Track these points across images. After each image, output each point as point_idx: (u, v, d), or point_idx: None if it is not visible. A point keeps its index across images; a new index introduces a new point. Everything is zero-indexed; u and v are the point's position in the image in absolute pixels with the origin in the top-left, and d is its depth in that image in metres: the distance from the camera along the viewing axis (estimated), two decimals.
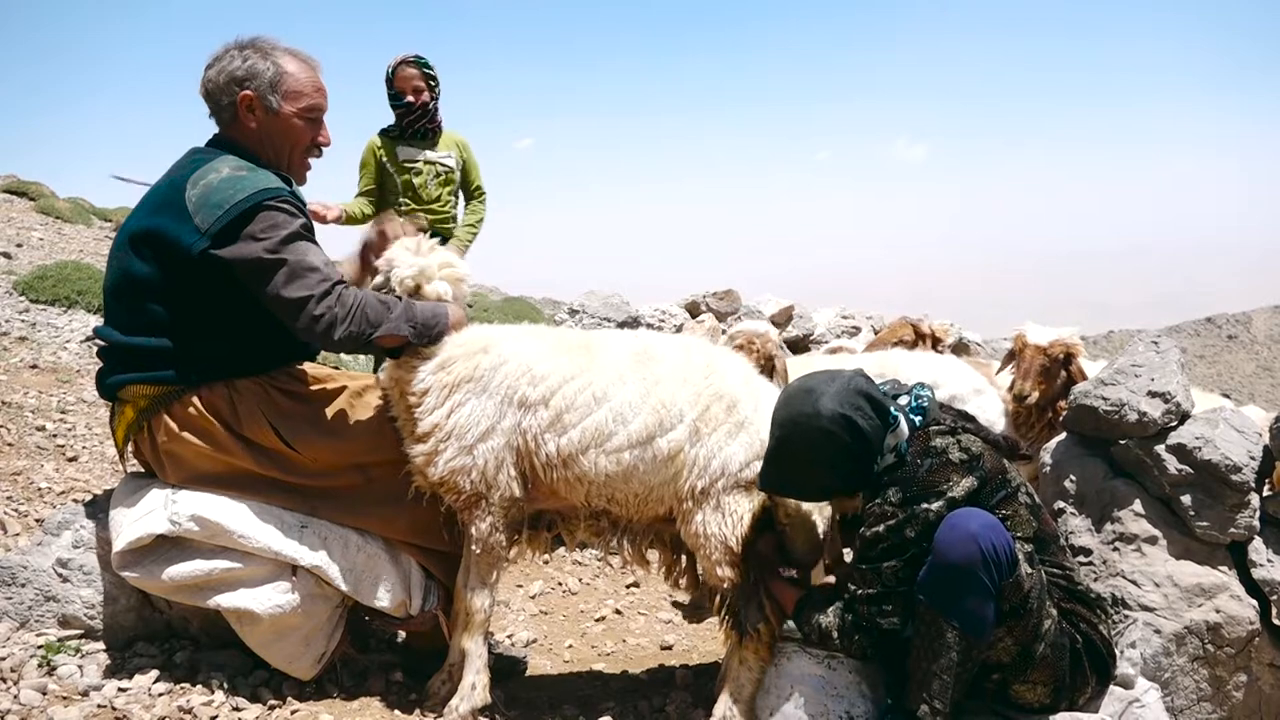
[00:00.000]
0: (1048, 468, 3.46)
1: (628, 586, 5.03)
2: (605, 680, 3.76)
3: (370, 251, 3.31)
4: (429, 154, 5.48)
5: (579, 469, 3.00)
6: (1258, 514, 3.10)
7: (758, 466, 2.92)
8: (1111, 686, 2.76)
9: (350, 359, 6.98)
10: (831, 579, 3.10)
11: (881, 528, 2.60)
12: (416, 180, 5.44)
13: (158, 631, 3.17)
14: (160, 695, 2.82)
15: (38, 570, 3.05)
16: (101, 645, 3.03)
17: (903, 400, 2.82)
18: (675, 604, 4.80)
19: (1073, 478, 3.35)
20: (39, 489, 4.47)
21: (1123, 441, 3.24)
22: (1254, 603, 3.06)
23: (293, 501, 3.03)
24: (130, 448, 3.11)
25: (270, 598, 2.94)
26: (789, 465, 2.77)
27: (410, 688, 3.21)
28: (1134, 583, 3.09)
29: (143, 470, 3.16)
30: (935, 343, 6.13)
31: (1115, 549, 3.16)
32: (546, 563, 5.11)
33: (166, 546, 2.94)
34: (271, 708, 2.91)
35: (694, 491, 3.00)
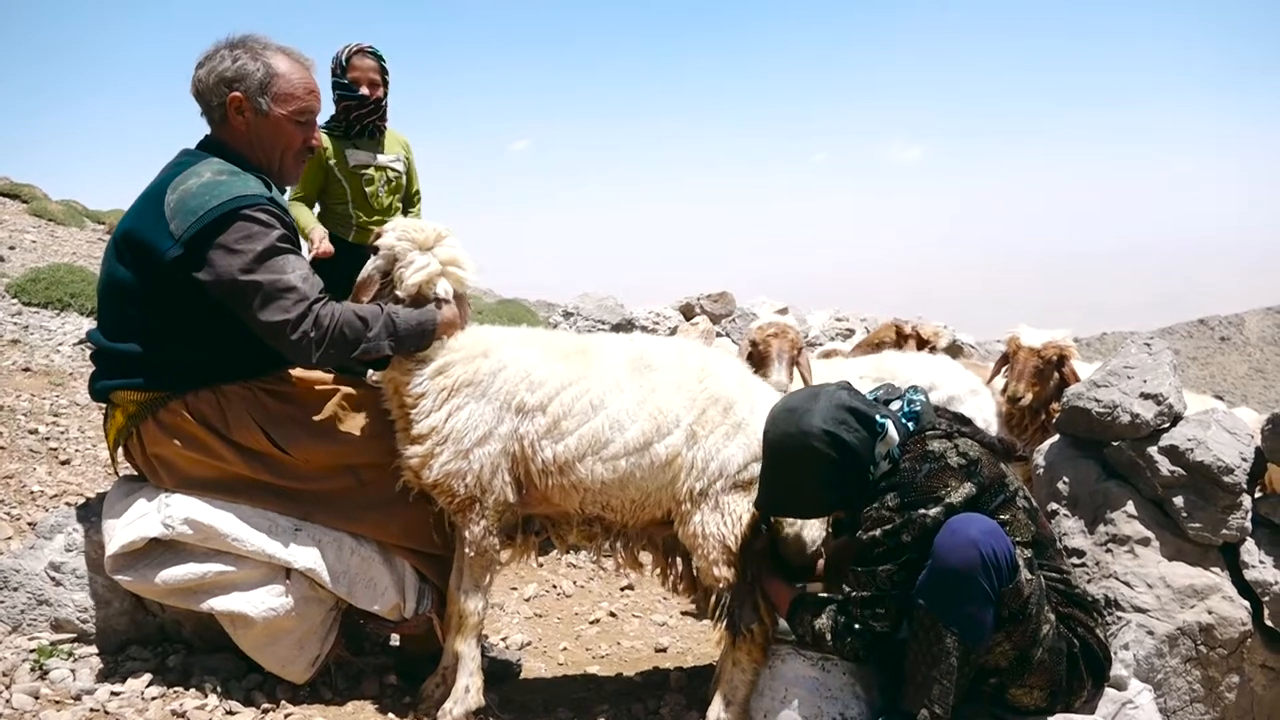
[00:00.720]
0: (1041, 469, 3.47)
1: (622, 589, 5.03)
2: (599, 683, 3.76)
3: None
4: (380, 158, 4.96)
5: (575, 476, 3.00)
6: (1250, 515, 3.11)
7: (756, 467, 2.93)
8: (1105, 688, 2.77)
9: None
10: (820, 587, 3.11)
11: (878, 532, 2.61)
12: (369, 189, 4.91)
13: (151, 635, 3.16)
14: (153, 699, 2.82)
15: (30, 574, 3.04)
16: (94, 649, 3.02)
17: (895, 405, 2.82)
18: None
19: (1065, 479, 3.36)
20: (31, 492, 4.45)
21: (1115, 443, 3.25)
22: (1246, 604, 3.07)
23: (285, 506, 3.02)
24: (121, 452, 3.10)
25: (264, 601, 2.93)
26: (782, 486, 2.79)
27: (404, 691, 3.21)
28: (1127, 584, 3.10)
29: (135, 474, 3.16)
30: (921, 344, 6.12)
31: (1108, 550, 3.17)
32: (541, 565, 5.11)
33: (160, 550, 2.94)
34: (265, 711, 2.90)
35: (692, 493, 3.00)
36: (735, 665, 2.99)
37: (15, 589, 3.04)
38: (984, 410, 4.58)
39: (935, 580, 2.47)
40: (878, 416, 2.72)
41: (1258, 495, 3.23)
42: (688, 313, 10.48)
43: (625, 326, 9.56)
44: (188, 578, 2.90)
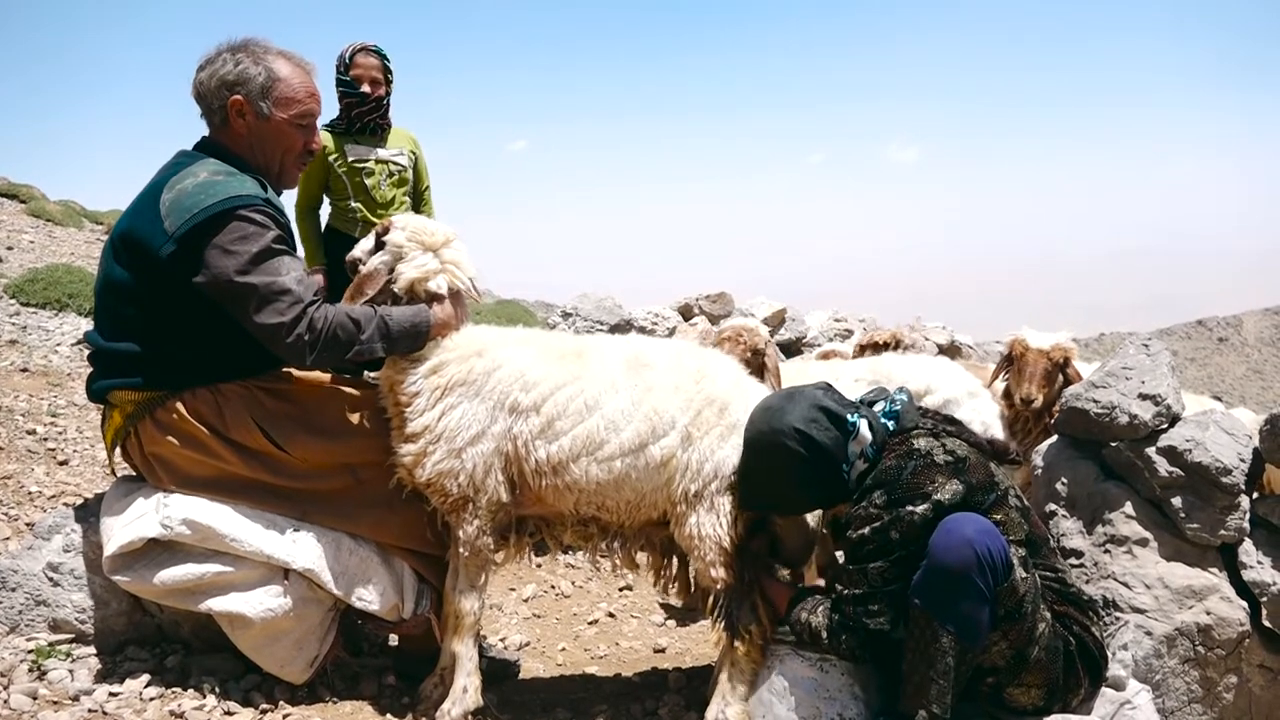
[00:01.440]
0: (1039, 470, 3.47)
1: (620, 590, 5.03)
2: (598, 683, 3.76)
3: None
4: (380, 152, 4.94)
5: (569, 477, 3.00)
6: (1248, 516, 3.11)
7: None
8: (1103, 688, 2.77)
9: None
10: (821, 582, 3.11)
11: (867, 530, 2.62)
12: (369, 181, 4.89)
13: (149, 636, 3.16)
14: (151, 700, 2.82)
15: (28, 574, 3.04)
16: (92, 650, 3.02)
17: (878, 407, 2.86)
18: (664, 606, 4.80)
19: (1064, 480, 3.36)
20: (29, 493, 4.45)
21: (1114, 444, 3.25)
22: (1244, 604, 3.07)
23: (284, 506, 3.02)
24: (119, 452, 3.10)
25: (262, 601, 2.93)
26: (758, 482, 2.89)
27: (403, 691, 3.21)
28: (1125, 585, 3.10)
29: (133, 474, 3.15)
30: (890, 347, 6.04)
31: (1106, 551, 3.17)
32: (539, 566, 5.11)
33: (158, 550, 2.94)
34: (264, 712, 2.90)
35: (687, 495, 3.00)
36: (734, 666, 2.99)
37: (13, 589, 3.03)
38: (983, 412, 4.58)
39: (931, 580, 2.47)
40: (850, 416, 2.78)
41: (1255, 496, 3.23)
42: (686, 313, 10.49)
43: (624, 327, 9.56)
44: (186, 578, 2.90)
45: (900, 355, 5.41)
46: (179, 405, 2.96)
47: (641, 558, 3.30)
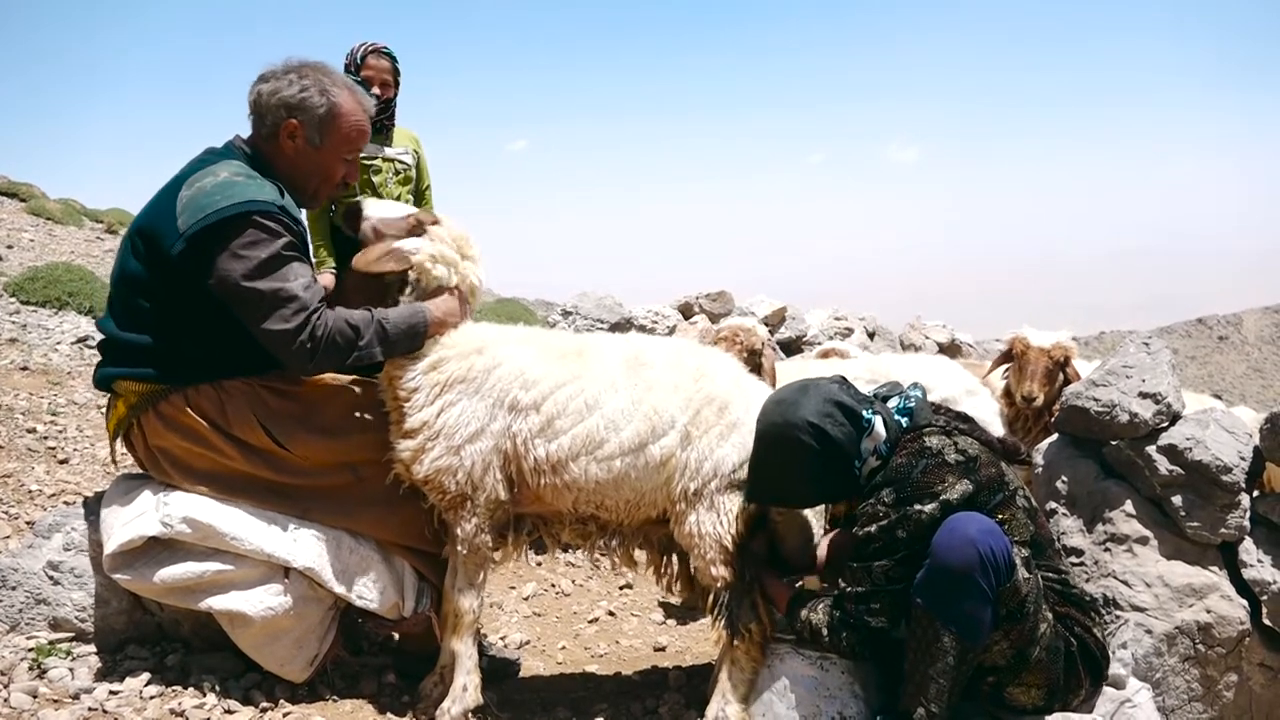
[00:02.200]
0: (1040, 469, 3.47)
1: (621, 588, 5.03)
2: (598, 682, 3.76)
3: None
4: (387, 151, 5.06)
5: (568, 475, 3.00)
6: (1248, 514, 3.11)
7: None
8: (1104, 687, 2.77)
9: None
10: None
11: (874, 528, 2.61)
12: (376, 179, 5.00)
13: (149, 634, 3.16)
14: (152, 698, 2.82)
15: (28, 573, 3.04)
16: (92, 648, 3.02)
17: (893, 403, 2.83)
18: (661, 604, 4.80)
19: (1064, 479, 3.36)
20: (29, 491, 4.45)
21: (1114, 442, 3.25)
22: (1244, 603, 3.07)
23: (284, 503, 3.02)
24: (122, 443, 3.10)
25: (262, 600, 2.93)
26: (769, 476, 2.84)
27: (403, 690, 3.21)
28: (1125, 583, 3.10)
29: (135, 468, 3.15)
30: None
31: (1107, 549, 3.17)
32: (539, 564, 5.11)
33: (158, 549, 2.93)
34: (264, 710, 2.90)
35: (686, 493, 3.00)
36: (734, 664, 2.99)
37: (14, 588, 3.03)
38: (981, 410, 4.58)
39: (933, 579, 2.47)
40: (865, 411, 2.75)
41: (1256, 494, 3.23)
42: (686, 312, 10.49)
43: (624, 326, 9.56)
44: (186, 576, 2.90)
45: (900, 354, 5.42)
46: (183, 399, 2.97)
47: (640, 556, 3.30)
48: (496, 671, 3.54)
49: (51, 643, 2.97)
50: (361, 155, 4.86)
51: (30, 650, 2.92)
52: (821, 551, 3.02)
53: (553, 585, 4.94)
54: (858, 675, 2.82)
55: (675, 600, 4.72)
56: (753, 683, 2.96)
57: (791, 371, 4.71)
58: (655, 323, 9.78)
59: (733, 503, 3.00)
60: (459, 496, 2.99)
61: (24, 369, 6.47)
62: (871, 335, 11.52)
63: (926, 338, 12.22)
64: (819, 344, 9.63)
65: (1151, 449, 3.15)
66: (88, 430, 5.48)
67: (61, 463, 4.96)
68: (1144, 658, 3.01)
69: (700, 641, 4.35)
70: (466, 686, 2.99)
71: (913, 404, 2.81)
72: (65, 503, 4.33)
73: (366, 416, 3.16)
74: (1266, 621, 3.07)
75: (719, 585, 3.01)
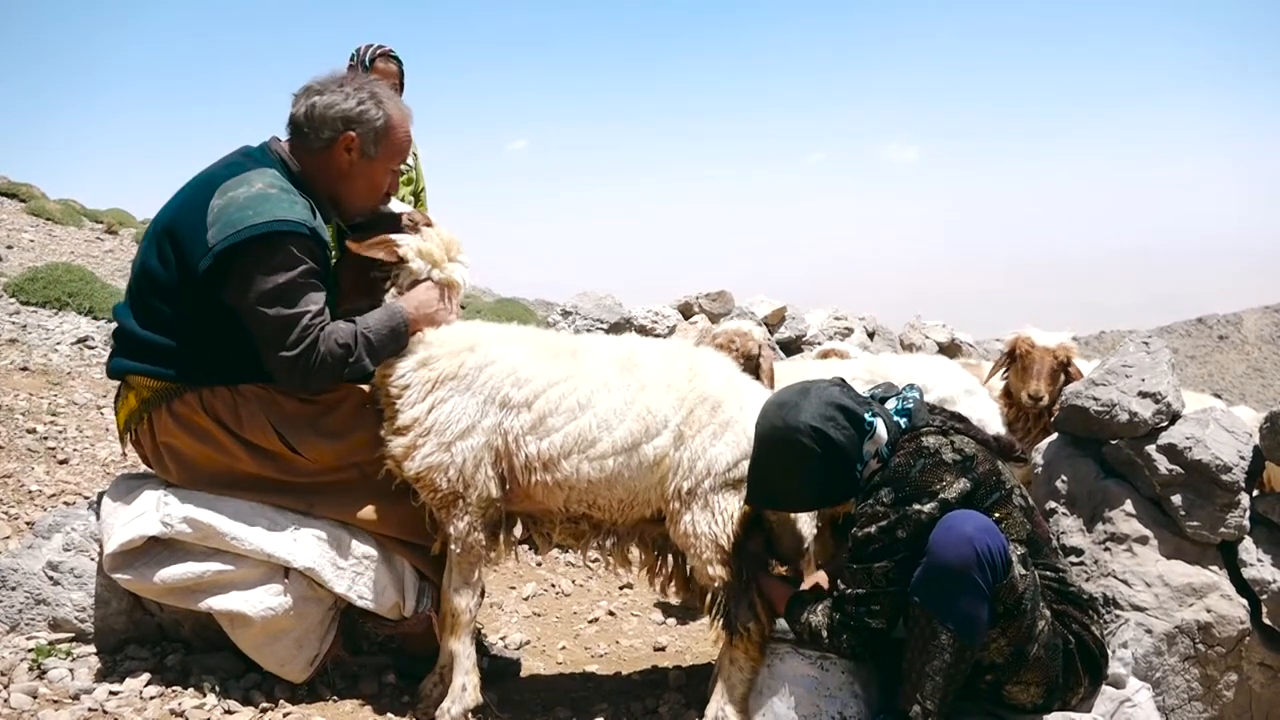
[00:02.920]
0: (1039, 468, 3.47)
1: (621, 588, 5.03)
2: (598, 681, 3.76)
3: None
4: None
5: (560, 474, 3.00)
6: (1248, 514, 3.11)
7: (746, 464, 2.94)
8: (1103, 686, 2.77)
9: None
10: (823, 575, 3.10)
11: (873, 528, 2.61)
12: None
13: (149, 634, 3.16)
14: (152, 698, 2.82)
15: (28, 573, 3.04)
16: (92, 648, 3.02)
17: (890, 404, 2.83)
18: (657, 604, 4.79)
19: (1064, 478, 3.36)
20: (29, 492, 4.45)
21: (1114, 442, 3.26)
22: (1244, 602, 3.07)
23: (289, 499, 3.03)
24: (130, 435, 3.10)
25: (262, 600, 2.93)
26: (769, 479, 2.82)
27: (403, 690, 3.21)
28: (1125, 582, 3.10)
29: (138, 467, 3.15)
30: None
31: (1106, 549, 3.18)
32: (539, 564, 5.11)
33: (158, 549, 2.94)
34: (264, 710, 2.90)
35: (680, 493, 3.00)
36: (733, 664, 2.99)
37: (13, 588, 3.04)
38: (979, 409, 4.58)
39: (930, 577, 2.47)
40: (867, 414, 2.74)
41: (1256, 494, 3.23)
42: (686, 312, 10.48)
43: (623, 326, 9.55)
44: (186, 577, 2.90)
45: (898, 354, 5.41)
46: (197, 400, 2.97)
47: (635, 555, 3.30)
48: (497, 671, 3.54)
49: (51, 643, 2.98)
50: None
51: (30, 651, 2.92)
52: (814, 581, 3.00)
53: (553, 585, 4.94)
54: (858, 675, 2.82)
55: (674, 600, 4.72)
56: (752, 682, 2.96)
57: (789, 372, 4.70)
58: (655, 323, 9.77)
59: (728, 502, 3.00)
60: (450, 494, 2.99)
61: (24, 369, 6.47)
62: (871, 335, 11.51)
63: (926, 338, 12.22)
64: (819, 344, 9.62)
65: (1151, 448, 3.15)
66: (88, 431, 5.49)
67: (61, 463, 4.96)
68: (1144, 657, 3.01)
69: (700, 641, 4.35)
70: (465, 686, 2.99)
71: (910, 405, 2.81)
72: (65, 503, 4.33)
73: (374, 417, 3.16)
74: (1266, 621, 3.07)
75: (716, 585, 3.01)
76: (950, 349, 12.16)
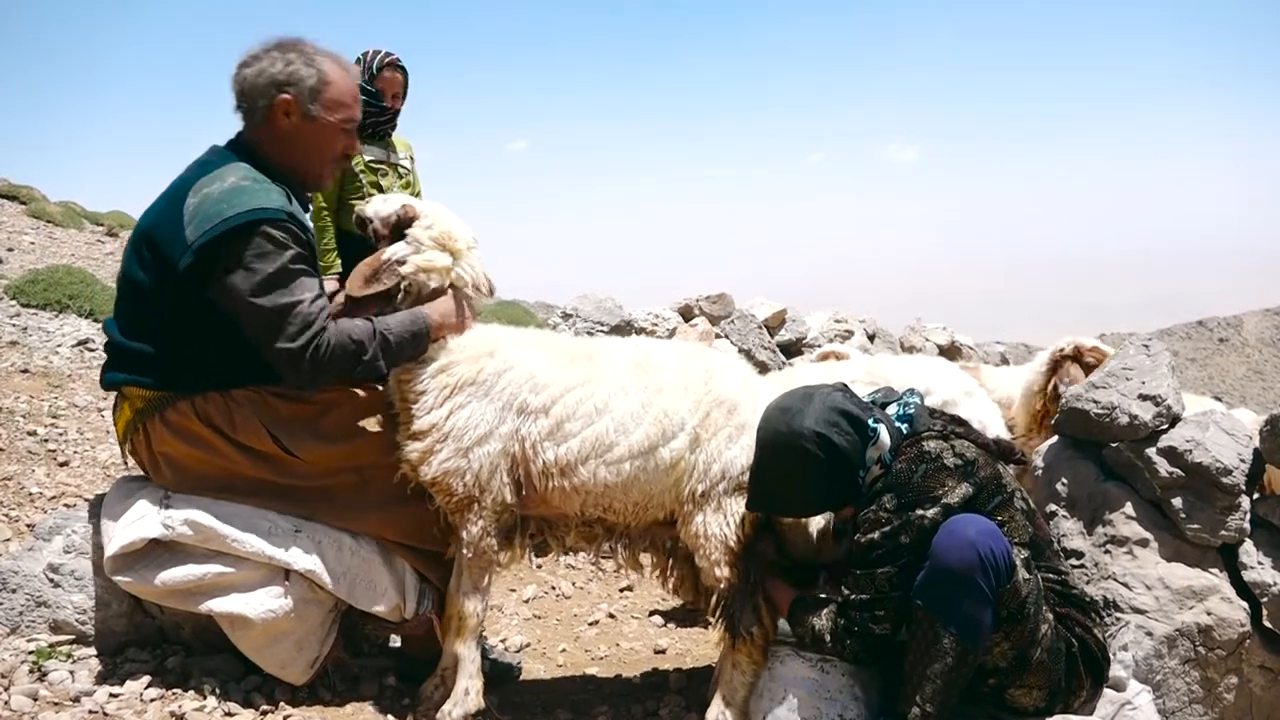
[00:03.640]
0: (1040, 471, 3.47)
1: (621, 590, 5.03)
2: (598, 684, 3.76)
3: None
4: (391, 155, 5.20)
5: (577, 479, 3.00)
6: (1248, 516, 3.11)
7: None
8: (1104, 689, 2.77)
9: None
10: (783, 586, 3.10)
11: (876, 534, 2.61)
12: (384, 182, 5.10)
13: (150, 637, 3.16)
14: (152, 701, 2.81)
15: (29, 576, 3.04)
16: (93, 651, 3.02)
17: (891, 409, 2.83)
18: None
19: (1064, 480, 3.36)
20: (30, 494, 4.45)
21: (1114, 444, 3.25)
22: (1245, 605, 3.07)
23: (288, 505, 3.02)
24: (129, 446, 3.10)
25: (263, 602, 2.93)
26: (771, 484, 2.82)
27: (404, 692, 3.21)
28: (1125, 585, 3.10)
29: (139, 471, 3.15)
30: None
31: (1107, 551, 3.17)
32: (539, 567, 5.11)
33: (159, 551, 2.94)
34: (264, 713, 2.90)
35: (694, 495, 3.01)
36: (734, 667, 2.99)
37: (14, 590, 3.03)
38: (980, 412, 4.57)
39: (933, 580, 2.47)
40: (870, 420, 2.74)
41: (1256, 497, 3.23)
42: (686, 314, 10.47)
43: (624, 328, 9.54)
44: (187, 579, 2.90)
45: (896, 356, 5.41)
46: (190, 407, 2.96)
47: (645, 559, 3.30)
48: (497, 674, 3.53)
49: (52, 645, 2.97)
50: (371, 160, 5.00)
51: (30, 653, 2.92)
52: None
53: (553, 588, 4.94)
54: (858, 678, 2.82)
55: (676, 601, 4.72)
56: (753, 685, 2.96)
57: (787, 376, 4.69)
58: (655, 325, 9.77)
59: (740, 505, 3.01)
60: (466, 499, 2.99)
61: (25, 372, 6.47)
62: (872, 337, 11.51)
63: (927, 340, 12.21)
64: (819, 346, 9.62)
65: (1151, 451, 3.15)
66: (88, 433, 5.49)
67: (62, 465, 4.96)
68: (1144, 660, 3.01)
69: (701, 644, 4.35)
70: (469, 690, 2.99)
71: (912, 410, 2.82)
72: (66, 505, 4.33)
73: (372, 419, 3.15)
74: (1267, 624, 3.07)
75: (722, 587, 3.01)
76: (950, 351, 12.15)
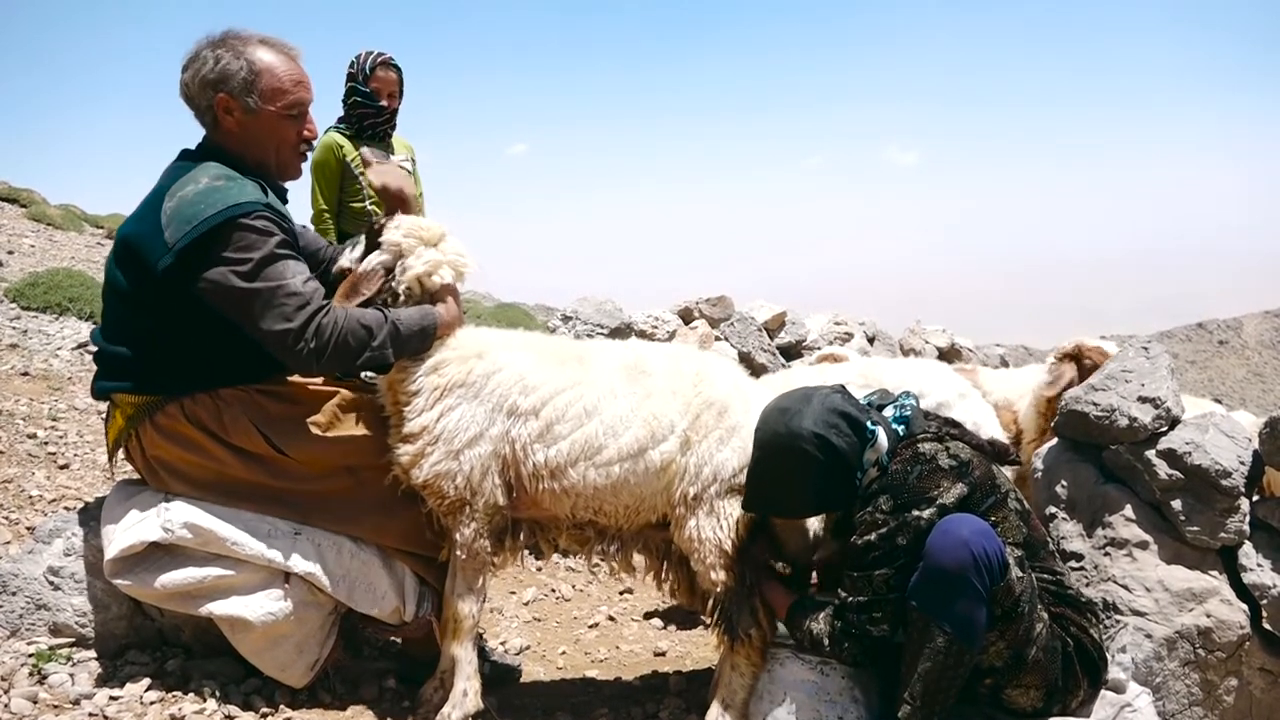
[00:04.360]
0: (1039, 473, 3.47)
1: (621, 593, 5.03)
2: (598, 686, 3.76)
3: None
4: (393, 158, 5.18)
5: (567, 481, 3.00)
6: (1248, 518, 3.11)
7: None
8: (1103, 691, 2.77)
9: None
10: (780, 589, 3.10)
11: (873, 536, 2.61)
12: None
13: (149, 639, 3.16)
14: (152, 703, 2.82)
15: (29, 578, 3.04)
16: (93, 653, 3.02)
17: (888, 411, 2.84)
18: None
19: (1064, 483, 3.36)
20: (30, 497, 4.45)
21: (1113, 447, 3.25)
22: (1244, 607, 3.07)
23: (285, 510, 3.02)
24: (121, 453, 3.10)
25: (263, 605, 2.93)
26: (768, 485, 2.82)
27: (403, 695, 3.21)
28: (1125, 587, 3.10)
29: (135, 476, 3.16)
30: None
31: (1106, 554, 3.17)
32: (539, 569, 5.11)
33: (159, 554, 2.94)
34: (264, 715, 2.90)
35: (686, 498, 3.01)
36: (734, 669, 2.99)
37: (14, 593, 3.03)
38: (974, 413, 4.58)
39: (927, 580, 2.47)
40: (869, 423, 2.74)
41: (1255, 499, 3.23)
42: (686, 316, 10.47)
43: (624, 330, 9.55)
44: (187, 582, 2.90)
45: (891, 358, 5.42)
46: (179, 410, 2.96)
47: (639, 561, 3.30)
48: (497, 676, 3.54)
49: (52, 648, 2.97)
50: (372, 161, 4.93)
51: (30, 656, 2.92)
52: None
53: (553, 590, 4.94)
54: (858, 680, 2.82)
55: (676, 603, 4.71)
56: (753, 687, 2.96)
57: (779, 381, 4.69)
58: (655, 327, 9.77)
59: (733, 507, 3.01)
60: (458, 501, 2.99)
61: (24, 374, 6.47)
62: (871, 340, 11.50)
63: (926, 342, 12.20)
64: (819, 348, 9.61)
65: (1151, 453, 3.15)
66: (88, 435, 5.48)
67: (62, 468, 4.96)
68: (1144, 662, 3.01)
69: (700, 646, 4.35)
70: (467, 691, 2.99)
71: (909, 412, 2.82)
72: (65, 508, 4.33)
73: (365, 420, 3.15)
74: (1266, 626, 3.06)
75: (718, 590, 3.01)
76: (950, 354, 12.15)
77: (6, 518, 4.16)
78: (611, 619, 4.65)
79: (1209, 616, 3.04)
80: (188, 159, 3.03)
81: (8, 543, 3.87)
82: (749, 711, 2.94)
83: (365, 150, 4.93)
